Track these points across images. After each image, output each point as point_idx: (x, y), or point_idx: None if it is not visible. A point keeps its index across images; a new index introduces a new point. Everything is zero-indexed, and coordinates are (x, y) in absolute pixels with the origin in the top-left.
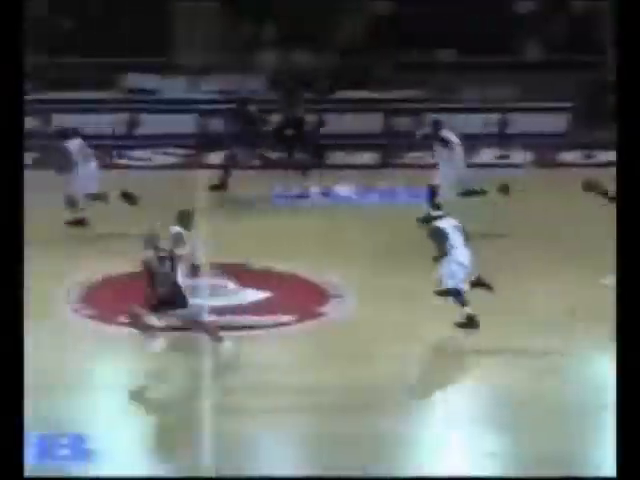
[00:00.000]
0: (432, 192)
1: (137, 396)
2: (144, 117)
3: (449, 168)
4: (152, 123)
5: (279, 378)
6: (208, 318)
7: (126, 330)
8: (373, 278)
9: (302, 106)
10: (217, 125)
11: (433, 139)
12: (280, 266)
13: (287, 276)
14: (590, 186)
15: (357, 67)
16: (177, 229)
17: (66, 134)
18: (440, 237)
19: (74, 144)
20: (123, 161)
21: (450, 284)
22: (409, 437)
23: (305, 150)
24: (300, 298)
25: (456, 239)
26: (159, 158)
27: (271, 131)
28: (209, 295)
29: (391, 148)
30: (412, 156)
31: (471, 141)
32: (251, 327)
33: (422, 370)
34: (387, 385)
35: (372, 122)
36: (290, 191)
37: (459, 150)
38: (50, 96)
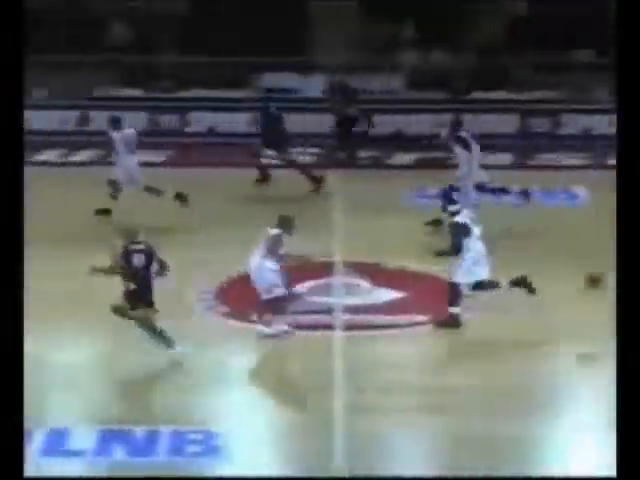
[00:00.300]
0: (448, 193)
1: (270, 394)
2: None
3: (468, 168)
4: (289, 122)
5: (412, 378)
6: (343, 317)
7: (259, 327)
8: (507, 278)
9: (356, 105)
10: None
11: (452, 139)
12: (414, 266)
13: (421, 276)
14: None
15: (494, 67)
16: (276, 231)
17: (118, 123)
18: (463, 231)
19: (121, 134)
20: (259, 160)
21: (461, 279)
22: (540, 439)
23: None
24: (434, 298)
25: (475, 233)
26: (296, 157)
27: (332, 130)
28: (343, 294)
29: (526, 149)
30: (547, 157)
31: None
32: (385, 326)
33: (554, 372)
34: (518, 386)
35: (508, 123)
36: (426, 191)
37: (476, 151)
38: (189, 94)
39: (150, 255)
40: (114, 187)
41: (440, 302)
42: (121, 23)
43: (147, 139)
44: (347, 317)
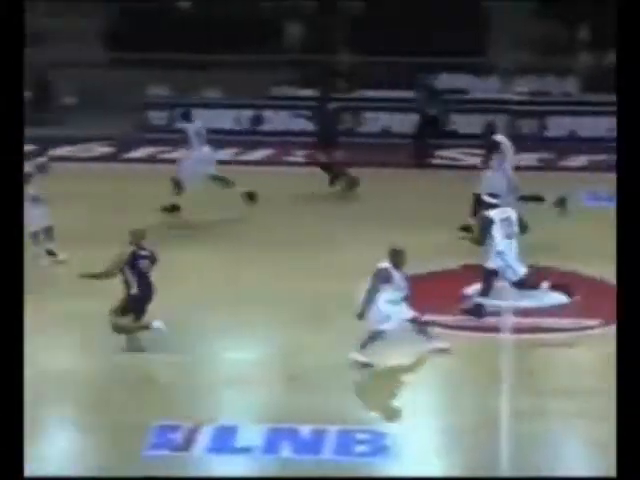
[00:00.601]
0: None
1: (436, 394)
2: (453, 117)
3: (499, 172)
4: (461, 123)
5: (579, 382)
6: (512, 320)
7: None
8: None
9: (440, 105)
10: (529, 126)
11: (485, 142)
12: (587, 270)
13: (593, 280)
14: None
15: None
16: (384, 265)
17: (188, 116)
18: (484, 226)
19: (193, 126)
20: (432, 160)
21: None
22: None
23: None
24: (606, 302)
25: (498, 232)
26: (466, 158)
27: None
28: (514, 297)
29: None
30: None
31: None
32: (554, 330)
33: None
34: None
35: None
36: (597, 193)
37: (510, 155)
38: (363, 95)
39: (154, 261)
40: (177, 186)
41: (612, 306)
42: (297, 23)
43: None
44: (516, 320)
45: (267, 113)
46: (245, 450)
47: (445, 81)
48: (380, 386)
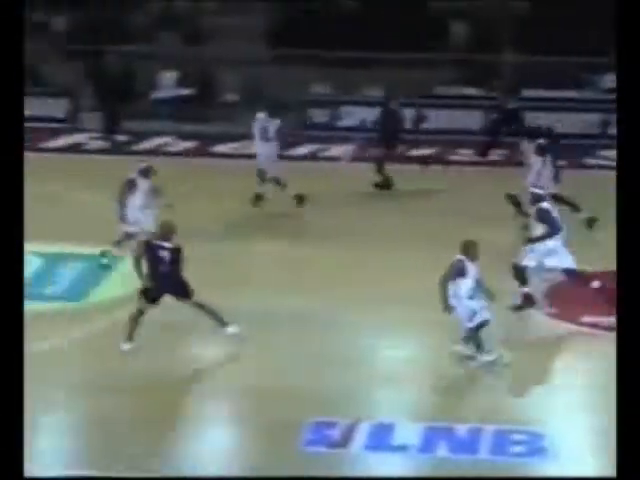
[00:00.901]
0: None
1: (590, 395)
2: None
3: (537, 177)
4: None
5: None
6: None
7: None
8: None
9: (515, 99)
10: None
11: (531, 144)
12: None
13: None
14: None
15: None
16: (459, 257)
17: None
18: (551, 217)
19: (260, 122)
20: (592, 161)
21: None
22: None
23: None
24: None
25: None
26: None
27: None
28: None
29: None
30: None
31: None
32: None
33: None
34: None
35: None
36: None
37: (549, 161)
38: (525, 94)
39: (176, 254)
40: (276, 182)
41: None
42: (462, 22)
43: (480, 138)
44: None
45: (431, 112)
46: (401, 448)
47: (610, 81)
48: (538, 386)
